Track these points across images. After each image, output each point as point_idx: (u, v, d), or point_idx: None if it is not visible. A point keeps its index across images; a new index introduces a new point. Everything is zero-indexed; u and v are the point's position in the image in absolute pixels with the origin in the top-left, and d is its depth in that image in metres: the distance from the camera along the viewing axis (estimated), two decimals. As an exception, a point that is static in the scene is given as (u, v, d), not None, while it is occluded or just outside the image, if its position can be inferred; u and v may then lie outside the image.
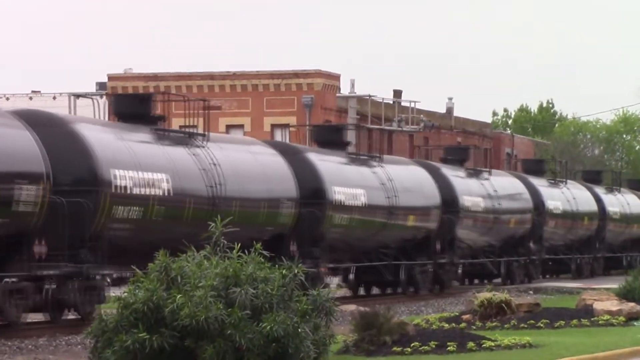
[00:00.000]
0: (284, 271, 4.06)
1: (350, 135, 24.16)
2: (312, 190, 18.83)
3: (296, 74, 38.11)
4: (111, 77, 37.54)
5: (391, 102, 37.82)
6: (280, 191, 17.75)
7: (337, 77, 39.10)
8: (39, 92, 42.60)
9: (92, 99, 16.15)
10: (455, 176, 25.57)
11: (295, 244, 17.56)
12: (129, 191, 13.60)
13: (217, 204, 15.27)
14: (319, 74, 37.97)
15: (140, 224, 14.02)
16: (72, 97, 16.64)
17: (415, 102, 36.56)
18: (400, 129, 35.66)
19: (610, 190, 36.37)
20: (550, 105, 70.42)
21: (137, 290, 3.85)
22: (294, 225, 17.93)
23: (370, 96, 35.34)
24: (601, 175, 39.15)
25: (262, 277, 3.96)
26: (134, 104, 16.03)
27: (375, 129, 28.14)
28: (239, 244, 4.34)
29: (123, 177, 13.50)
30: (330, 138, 21.79)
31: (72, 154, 13.07)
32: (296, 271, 4.08)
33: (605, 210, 33.91)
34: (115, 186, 13.33)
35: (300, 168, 18.61)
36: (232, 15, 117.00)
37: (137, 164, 13.94)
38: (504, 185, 28.00)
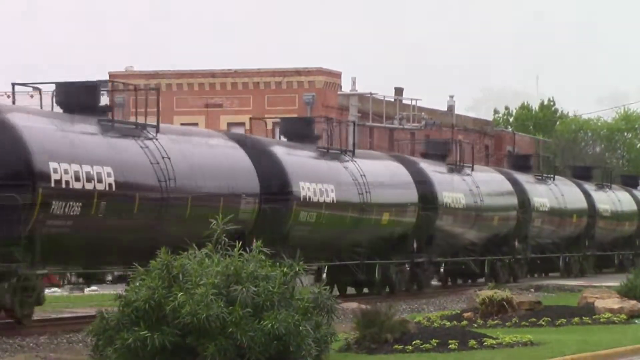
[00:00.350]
0: (285, 269, 4.61)
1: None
2: (276, 185, 19.34)
3: (298, 72, 40.86)
4: (112, 75, 38.74)
5: (392, 100, 40.37)
6: (239, 186, 18.09)
7: (338, 75, 41.98)
8: (40, 89, 44.01)
9: (37, 89, 16.18)
10: (435, 171, 26.54)
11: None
12: (67, 185, 13.76)
13: (168, 200, 15.64)
14: (320, 71, 40.76)
15: (81, 221, 14.23)
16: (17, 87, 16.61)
17: (416, 99, 39.33)
18: (401, 126, 38.14)
19: (600, 186, 38.35)
20: (552, 103, 74.13)
21: (138, 288, 4.33)
22: (255, 222, 18.44)
23: (371, 94, 37.72)
24: (591, 172, 41.29)
25: (263, 275, 4.50)
26: (79, 94, 16.25)
27: (343, 122, 29.70)
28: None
29: (61, 171, 13.66)
30: (299, 131, 22.45)
31: (4, 145, 13.15)
32: (297, 269, 4.65)
33: (595, 207, 35.86)
34: (53, 180, 13.48)
35: (264, 162, 19.08)
36: (233, 13, 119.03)
37: (77, 157, 14.14)
38: (487, 181, 29.16)
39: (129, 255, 14.62)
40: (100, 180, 14.31)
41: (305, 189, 20.08)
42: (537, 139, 60.32)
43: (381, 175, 23.72)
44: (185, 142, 17.96)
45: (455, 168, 28.14)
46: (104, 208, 14.30)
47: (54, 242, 13.59)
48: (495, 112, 72.59)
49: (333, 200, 21.12)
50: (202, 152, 17.97)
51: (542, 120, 71.41)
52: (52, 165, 13.31)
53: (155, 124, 16.55)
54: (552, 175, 34.73)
